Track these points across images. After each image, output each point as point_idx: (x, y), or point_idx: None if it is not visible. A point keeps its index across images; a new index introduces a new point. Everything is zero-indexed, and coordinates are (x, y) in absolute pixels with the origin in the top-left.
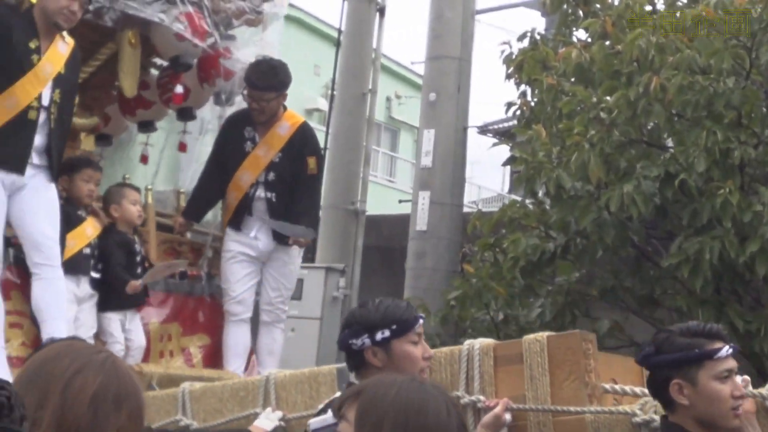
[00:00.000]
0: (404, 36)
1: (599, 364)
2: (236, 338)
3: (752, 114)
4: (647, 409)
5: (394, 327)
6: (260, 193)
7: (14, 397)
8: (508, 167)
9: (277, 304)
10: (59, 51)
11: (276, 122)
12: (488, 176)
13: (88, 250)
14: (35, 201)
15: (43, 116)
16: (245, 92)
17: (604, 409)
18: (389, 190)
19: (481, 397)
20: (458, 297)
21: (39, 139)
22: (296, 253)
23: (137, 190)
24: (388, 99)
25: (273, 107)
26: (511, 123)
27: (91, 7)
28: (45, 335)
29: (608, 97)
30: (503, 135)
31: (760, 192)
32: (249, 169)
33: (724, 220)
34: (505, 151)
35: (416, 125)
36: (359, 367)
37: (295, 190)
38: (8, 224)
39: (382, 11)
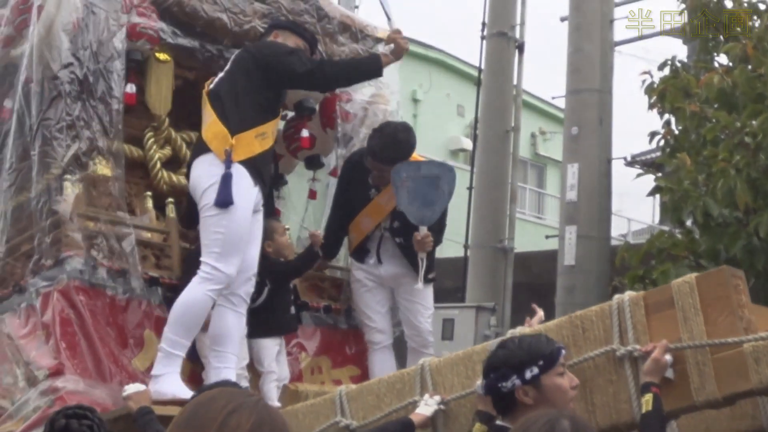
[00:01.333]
0: (545, 71)
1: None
2: (382, 365)
3: None
4: None
5: (541, 363)
6: (386, 236)
7: (98, 426)
8: (658, 198)
9: (421, 328)
10: None
11: None
12: (638, 208)
13: None
14: (259, 233)
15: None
16: (370, 162)
17: (762, 335)
18: (538, 226)
19: (636, 346)
20: None
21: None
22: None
23: (280, 222)
24: (533, 135)
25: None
26: (657, 153)
27: None
28: (219, 367)
29: (752, 121)
30: (650, 165)
31: None
32: (371, 215)
33: None
34: (652, 181)
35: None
36: (510, 409)
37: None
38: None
39: (521, 48)
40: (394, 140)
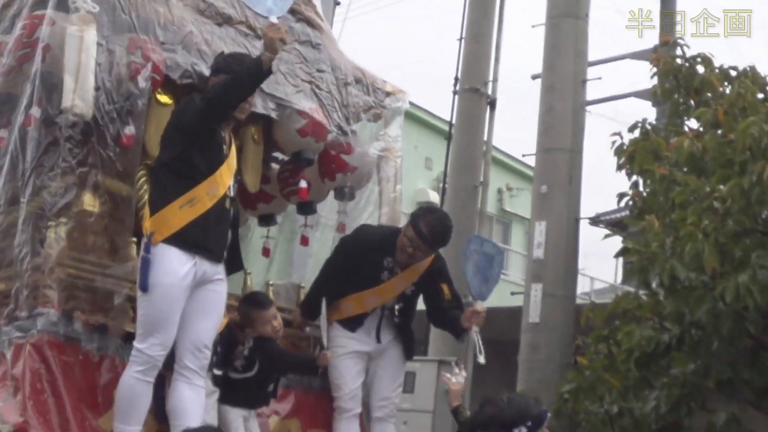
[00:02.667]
0: (513, 127)
1: None
2: None
3: None
4: None
5: (529, 423)
6: (387, 314)
7: None
8: (621, 258)
9: (392, 398)
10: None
11: None
12: (600, 268)
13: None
14: (213, 304)
15: (232, 209)
16: (408, 235)
17: None
18: (502, 282)
19: None
20: (572, 390)
21: (230, 233)
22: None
23: (269, 304)
24: (500, 191)
25: (420, 259)
26: (623, 214)
27: None
28: None
29: (721, 186)
30: (615, 226)
31: None
32: (380, 295)
33: None
34: (617, 242)
35: (528, 217)
36: None
37: (436, 312)
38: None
39: (492, 104)
40: (445, 227)
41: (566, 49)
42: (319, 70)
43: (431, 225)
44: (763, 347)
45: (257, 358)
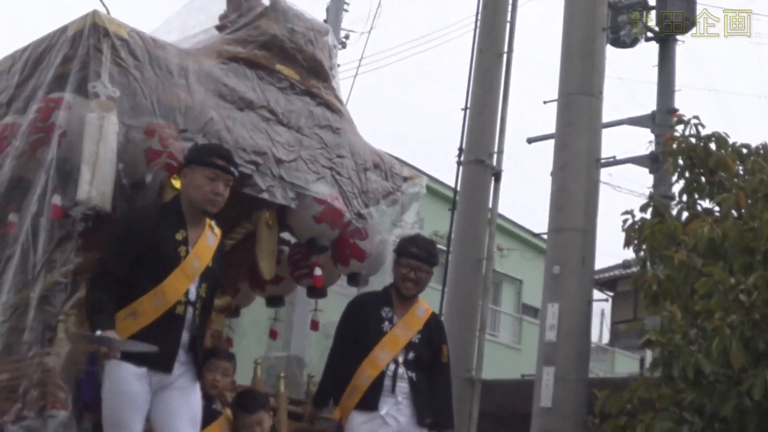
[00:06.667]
0: (502, 186)
1: None
2: None
3: None
4: None
5: None
6: (401, 372)
7: None
8: (607, 317)
9: None
10: (207, 244)
11: (414, 304)
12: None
13: None
14: (180, 403)
15: (189, 312)
16: (402, 263)
17: None
18: (492, 344)
19: None
20: None
21: (185, 336)
22: None
23: (256, 407)
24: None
25: (426, 281)
26: (614, 272)
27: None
28: None
29: (746, 278)
30: (605, 285)
31: None
32: (387, 347)
33: None
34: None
35: (518, 277)
36: None
37: (431, 378)
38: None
39: (497, 176)
40: (428, 240)
41: (580, 127)
42: (339, 156)
43: (414, 241)
44: None
45: None
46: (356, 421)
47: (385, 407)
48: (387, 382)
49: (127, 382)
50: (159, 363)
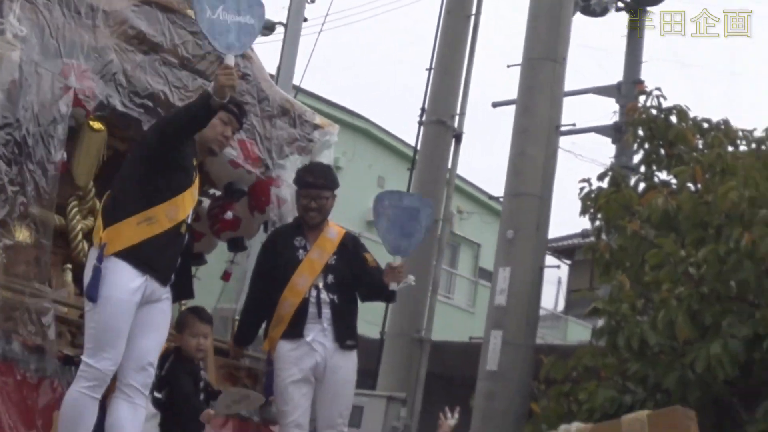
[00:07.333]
0: (462, 148)
1: None
2: None
3: None
4: None
5: None
6: (323, 295)
7: None
8: (563, 285)
9: (339, 426)
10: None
11: (324, 228)
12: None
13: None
14: (158, 323)
15: (186, 237)
16: (301, 193)
17: None
18: (447, 306)
19: None
20: None
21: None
22: (355, 365)
23: (208, 320)
24: (450, 214)
25: (329, 207)
26: (571, 242)
27: None
28: None
29: (696, 251)
30: (561, 253)
31: None
32: (306, 273)
33: None
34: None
35: (476, 241)
36: None
37: (364, 278)
38: None
39: (458, 138)
40: (323, 166)
41: (542, 93)
42: (245, 102)
43: (309, 170)
44: (728, 415)
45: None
46: (283, 350)
47: (311, 334)
48: (312, 309)
49: (126, 290)
50: (162, 274)
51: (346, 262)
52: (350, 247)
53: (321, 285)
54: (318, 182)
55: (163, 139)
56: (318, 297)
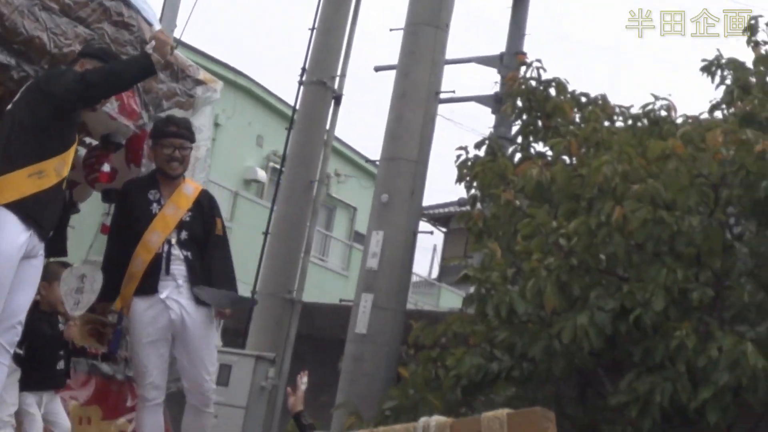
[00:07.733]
0: (342, 110)
1: None
2: (153, 425)
3: (712, 253)
4: None
5: None
6: (176, 252)
7: None
8: (438, 252)
9: (207, 383)
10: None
11: (180, 183)
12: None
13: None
14: (33, 279)
15: (66, 193)
16: (161, 143)
17: None
18: (320, 269)
19: None
20: (394, 407)
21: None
22: (212, 321)
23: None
24: (327, 176)
25: (189, 159)
26: (447, 210)
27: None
28: None
29: (567, 222)
30: (437, 220)
31: (716, 336)
32: (158, 228)
33: (677, 363)
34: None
35: (353, 204)
36: None
37: (207, 251)
38: None
39: (338, 99)
40: (182, 118)
41: (423, 58)
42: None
43: (172, 121)
44: (591, 386)
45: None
46: (138, 308)
47: (165, 291)
48: (163, 264)
49: (13, 244)
50: (43, 228)
51: (199, 219)
52: (205, 207)
53: (174, 241)
54: (182, 132)
55: (91, 92)
56: (169, 252)
